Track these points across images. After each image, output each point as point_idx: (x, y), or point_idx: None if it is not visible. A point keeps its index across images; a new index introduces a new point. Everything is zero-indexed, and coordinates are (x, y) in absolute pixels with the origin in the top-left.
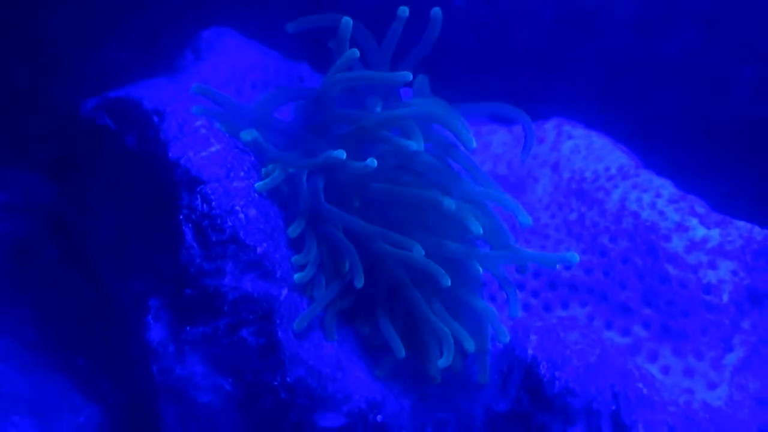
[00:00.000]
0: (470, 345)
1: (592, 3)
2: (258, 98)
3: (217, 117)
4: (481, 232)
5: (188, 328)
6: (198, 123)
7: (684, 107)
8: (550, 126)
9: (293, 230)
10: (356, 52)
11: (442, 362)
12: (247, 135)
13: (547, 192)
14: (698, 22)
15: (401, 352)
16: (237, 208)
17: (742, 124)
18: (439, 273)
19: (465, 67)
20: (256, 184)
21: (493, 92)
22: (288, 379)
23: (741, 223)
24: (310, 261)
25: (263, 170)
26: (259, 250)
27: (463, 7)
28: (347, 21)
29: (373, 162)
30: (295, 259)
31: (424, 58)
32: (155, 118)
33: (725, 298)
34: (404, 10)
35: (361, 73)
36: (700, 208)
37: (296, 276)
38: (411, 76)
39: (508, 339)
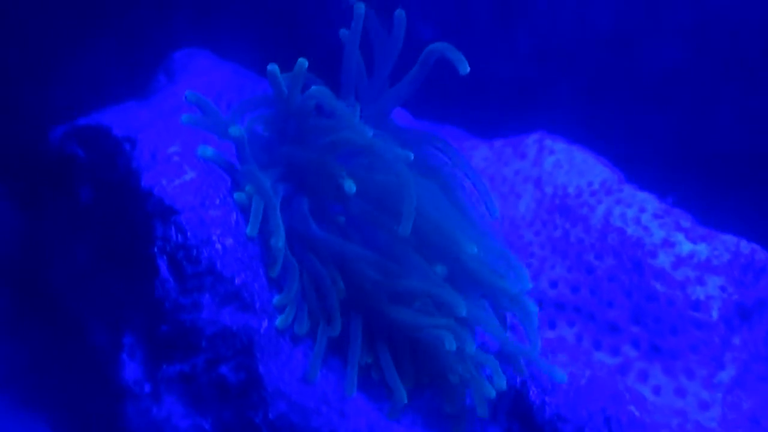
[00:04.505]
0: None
1: (568, 30)
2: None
3: (202, 124)
4: (476, 251)
5: (165, 365)
6: (171, 150)
7: (668, 128)
8: (531, 141)
9: (272, 270)
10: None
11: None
12: (236, 130)
13: (531, 208)
14: (682, 39)
15: (404, 399)
16: (213, 237)
17: (728, 144)
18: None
19: (437, 100)
20: (247, 230)
21: (471, 127)
22: (270, 416)
23: (728, 237)
24: (290, 300)
25: (236, 195)
26: (237, 281)
27: (430, 40)
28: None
29: (351, 187)
30: (276, 300)
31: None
32: (126, 146)
33: (714, 314)
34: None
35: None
36: (686, 222)
37: (278, 320)
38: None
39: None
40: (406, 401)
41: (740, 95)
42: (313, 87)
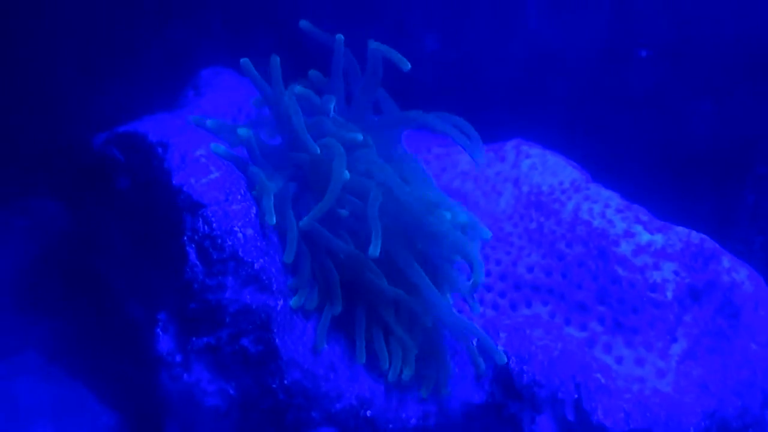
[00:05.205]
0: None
1: (560, 42)
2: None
3: (218, 127)
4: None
5: (194, 338)
6: (198, 153)
7: (645, 140)
8: (510, 146)
9: (287, 257)
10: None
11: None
12: (244, 131)
13: (510, 204)
14: (659, 58)
15: (386, 365)
16: (235, 228)
17: (699, 156)
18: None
19: (434, 105)
20: (267, 219)
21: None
22: (285, 382)
23: (680, 229)
24: (302, 283)
25: (254, 192)
26: (256, 265)
27: (436, 51)
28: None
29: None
30: (291, 283)
31: (395, 94)
32: (159, 150)
33: (669, 295)
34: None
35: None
36: (644, 216)
37: (292, 301)
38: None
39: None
40: (388, 366)
41: (712, 109)
42: (285, 96)
